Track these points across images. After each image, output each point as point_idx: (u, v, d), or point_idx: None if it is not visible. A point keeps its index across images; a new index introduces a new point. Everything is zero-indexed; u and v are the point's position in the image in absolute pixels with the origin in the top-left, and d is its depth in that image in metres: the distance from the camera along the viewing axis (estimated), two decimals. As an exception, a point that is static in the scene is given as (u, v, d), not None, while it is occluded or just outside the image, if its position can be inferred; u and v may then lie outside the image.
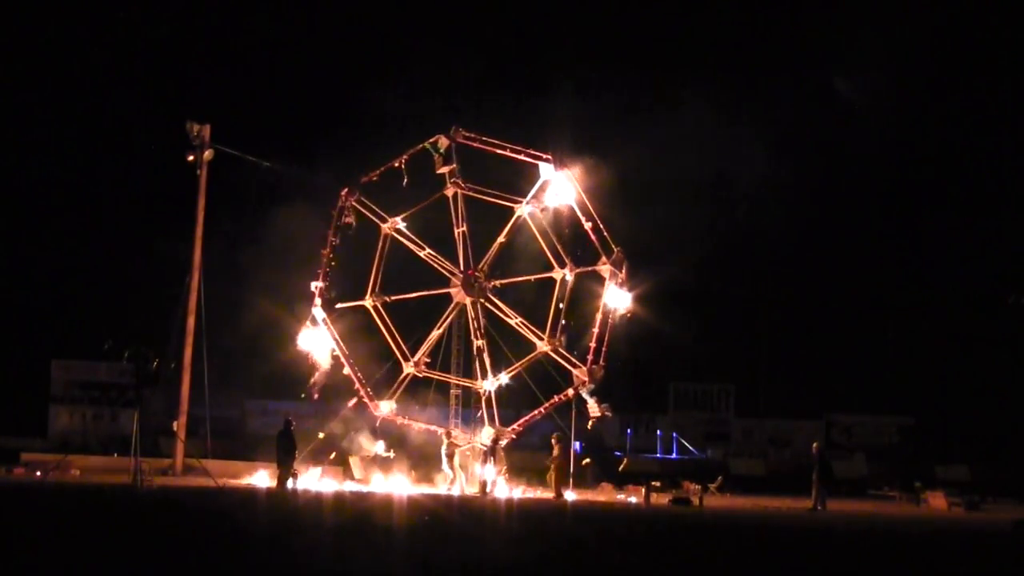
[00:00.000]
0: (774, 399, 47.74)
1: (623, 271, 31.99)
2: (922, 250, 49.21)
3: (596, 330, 31.86)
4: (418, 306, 33.69)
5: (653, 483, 32.79)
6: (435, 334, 32.74)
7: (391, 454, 32.88)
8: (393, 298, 33.01)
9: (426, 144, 32.40)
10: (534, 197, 32.50)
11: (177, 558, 14.09)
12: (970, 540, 21.83)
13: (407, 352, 32.86)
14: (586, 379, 31.49)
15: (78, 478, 31.37)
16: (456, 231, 32.81)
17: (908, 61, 46.43)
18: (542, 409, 32.25)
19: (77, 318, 43.04)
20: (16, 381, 43.05)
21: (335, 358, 32.71)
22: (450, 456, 31.39)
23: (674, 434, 44.83)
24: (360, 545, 16.45)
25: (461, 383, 33.49)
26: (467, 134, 32.57)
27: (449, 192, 32.67)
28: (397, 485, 31.39)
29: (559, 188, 32.28)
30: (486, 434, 31.64)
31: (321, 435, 33.41)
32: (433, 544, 17.12)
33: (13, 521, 18.22)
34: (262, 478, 31.45)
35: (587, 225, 31.98)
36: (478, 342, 32.52)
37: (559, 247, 32.51)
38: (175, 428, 34.61)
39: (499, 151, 32.61)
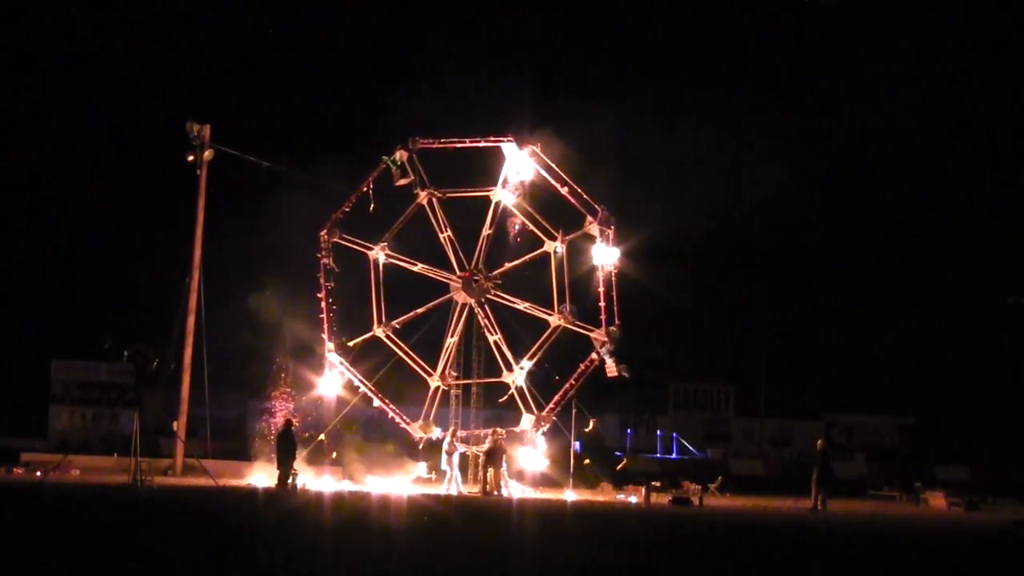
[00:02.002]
0: (774, 399, 47.74)
1: (612, 227, 32.04)
2: (922, 250, 49.23)
3: (601, 289, 31.90)
4: (429, 317, 33.49)
5: (653, 483, 32.80)
6: (451, 342, 32.65)
7: (432, 475, 32.92)
8: (400, 320, 32.87)
9: (387, 162, 32.40)
10: (505, 180, 32.56)
11: (177, 558, 14.08)
12: (970, 540, 21.83)
13: (427, 368, 32.83)
14: (605, 339, 31.53)
15: (78, 478, 31.35)
16: (441, 236, 32.77)
17: (908, 63, 46.45)
18: (572, 381, 32.09)
19: (77, 318, 43.04)
20: (16, 381, 43.03)
21: (362, 395, 32.86)
22: (449, 454, 31.38)
23: (674, 434, 44.82)
24: (360, 545, 16.44)
25: (491, 382, 33.25)
26: (424, 141, 32.63)
27: (423, 200, 32.65)
28: (397, 485, 31.41)
29: (526, 165, 32.38)
30: (525, 421, 31.66)
31: (322, 437, 33.44)
32: (433, 545, 17.12)
33: (13, 521, 18.21)
34: (261, 479, 31.47)
35: (563, 190, 32.05)
36: (494, 337, 32.48)
37: (542, 221, 32.53)
38: (175, 428, 34.61)
39: (459, 145, 32.69)
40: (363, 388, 32.72)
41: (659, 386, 46.72)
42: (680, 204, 44.58)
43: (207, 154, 34.78)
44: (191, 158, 34.67)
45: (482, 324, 32.66)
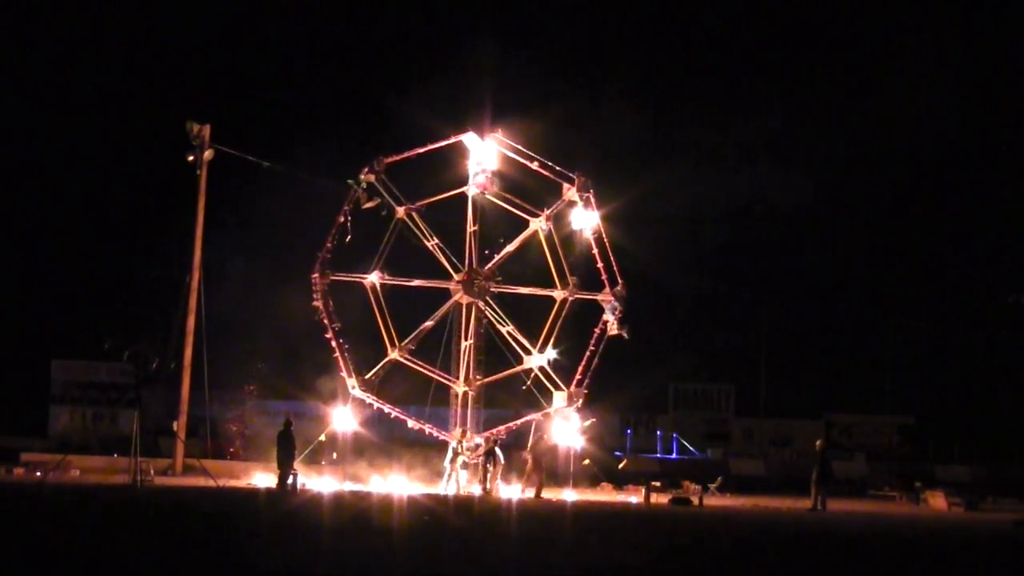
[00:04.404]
0: (774, 399, 47.75)
1: (591, 191, 31.98)
2: (922, 250, 49.27)
3: (596, 251, 31.83)
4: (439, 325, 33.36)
5: (653, 483, 32.78)
6: (467, 345, 32.54)
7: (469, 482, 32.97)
8: (413, 338, 32.65)
9: (353, 185, 32.25)
10: (476, 174, 32.46)
11: (177, 558, 14.08)
12: (970, 540, 21.82)
13: (450, 377, 32.77)
14: (611, 299, 31.47)
15: (78, 478, 31.35)
16: (429, 244, 32.64)
17: (910, 63, 46.49)
18: (592, 348, 31.78)
19: (77, 318, 43.06)
20: (16, 381, 43.05)
21: (395, 419, 33.08)
22: (456, 454, 31.39)
23: (674, 434, 44.83)
24: (360, 545, 16.44)
25: (514, 372, 32.95)
26: (388, 159, 32.48)
27: (403, 216, 32.50)
28: (397, 485, 31.41)
29: (490, 153, 32.34)
30: (558, 399, 31.63)
31: (322, 437, 33.44)
32: (433, 545, 17.12)
33: (13, 521, 18.21)
34: (261, 479, 31.49)
35: (533, 165, 32.02)
36: (506, 328, 32.36)
37: (522, 203, 32.46)
38: (175, 428, 34.61)
39: (422, 151, 32.55)
40: (394, 414, 32.85)
41: (659, 386, 46.72)
42: (677, 203, 44.65)
43: (207, 154, 34.76)
44: (191, 158, 34.65)
45: (492, 319, 32.51)
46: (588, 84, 46.84)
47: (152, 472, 29.28)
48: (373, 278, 32.32)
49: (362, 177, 32.28)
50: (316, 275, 32.14)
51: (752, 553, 17.69)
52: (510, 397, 34.74)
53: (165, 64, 47.07)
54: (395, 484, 31.56)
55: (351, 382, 32.07)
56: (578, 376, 31.92)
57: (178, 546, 15.32)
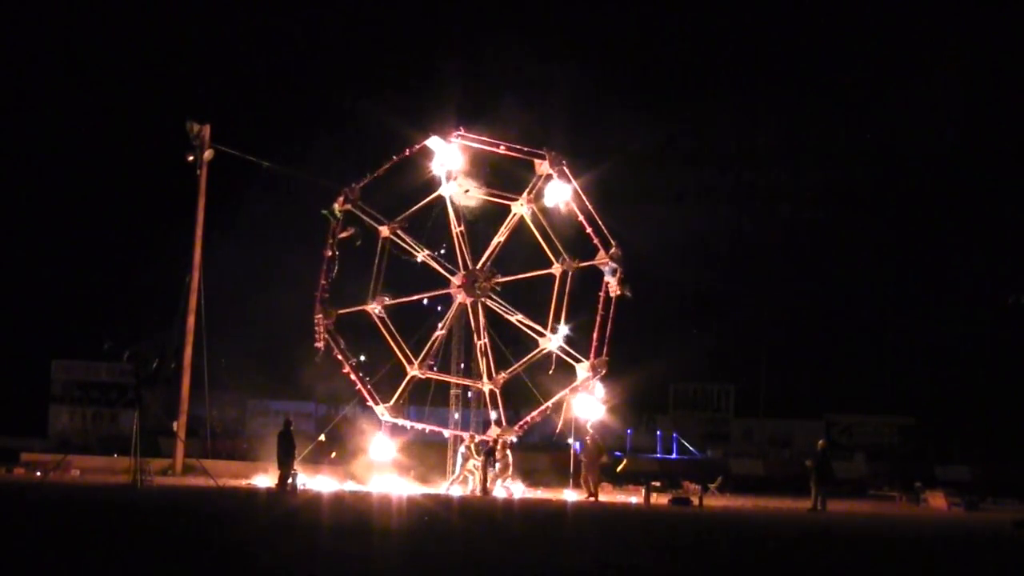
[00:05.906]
0: (774, 399, 47.70)
1: (564, 164, 31.87)
2: (922, 250, 49.23)
3: (582, 219, 31.78)
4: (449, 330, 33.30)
5: (653, 483, 32.78)
6: (482, 343, 32.41)
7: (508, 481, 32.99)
8: (429, 352, 32.44)
9: (326, 215, 32.18)
10: (446, 176, 32.43)
11: (176, 558, 14.09)
12: (970, 540, 21.83)
13: (472, 380, 32.82)
14: (607, 260, 31.45)
15: (78, 478, 31.36)
16: (420, 256, 32.58)
17: (913, 65, 46.52)
18: (601, 312, 31.42)
19: (77, 318, 43.07)
20: (16, 381, 43.06)
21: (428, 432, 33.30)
22: (465, 458, 31.37)
23: (674, 434, 44.80)
24: (360, 545, 16.45)
25: (533, 358, 32.62)
26: (359, 184, 32.41)
27: (389, 235, 32.36)
28: (397, 486, 31.42)
29: (455, 152, 32.33)
30: (581, 371, 31.53)
31: (321, 437, 33.44)
32: (433, 545, 17.12)
33: (13, 521, 18.22)
34: (262, 479, 31.50)
35: (500, 149, 32.00)
36: (515, 317, 32.30)
37: (500, 192, 32.40)
38: (175, 428, 34.62)
39: (390, 165, 32.48)
40: (428, 429, 33.00)
41: (659, 386, 46.64)
42: (678, 202, 44.65)
43: (207, 154, 34.76)
44: (191, 158, 34.65)
45: (499, 312, 32.44)
46: (588, 81, 46.75)
47: (152, 472, 29.29)
48: (376, 304, 32.25)
49: (336, 207, 32.23)
50: (319, 315, 32.04)
51: (752, 553, 17.69)
52: (510, 395, 34.64)
53: (165, 64, 47.08)
54: (395, 484, 31.58)
55: (379, 409, 32.00)
56: (595, 345, 31.76)
57: (178, 546, 15.33)
